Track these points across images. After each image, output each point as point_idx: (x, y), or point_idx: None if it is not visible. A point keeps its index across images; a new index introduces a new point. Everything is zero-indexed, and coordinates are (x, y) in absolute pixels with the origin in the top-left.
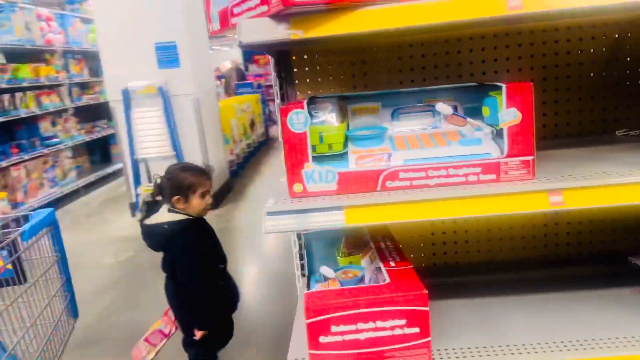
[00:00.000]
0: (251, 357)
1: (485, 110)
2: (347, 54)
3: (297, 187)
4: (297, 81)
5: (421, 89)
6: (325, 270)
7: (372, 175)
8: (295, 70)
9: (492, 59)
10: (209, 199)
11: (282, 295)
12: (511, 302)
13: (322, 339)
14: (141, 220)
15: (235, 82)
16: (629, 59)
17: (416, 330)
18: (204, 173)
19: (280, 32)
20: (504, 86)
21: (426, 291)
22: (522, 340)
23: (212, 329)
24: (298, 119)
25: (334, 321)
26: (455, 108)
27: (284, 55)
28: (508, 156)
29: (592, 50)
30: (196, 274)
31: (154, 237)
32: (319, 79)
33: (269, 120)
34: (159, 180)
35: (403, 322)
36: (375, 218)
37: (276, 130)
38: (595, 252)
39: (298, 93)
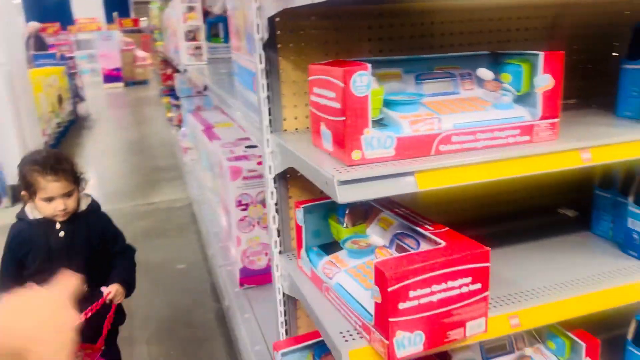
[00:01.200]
0: None
1: (506, 77)
2: (331, 19)
3: (356, 155)
4: (279, 45)
5: (431, 56)
6: (375, 239)
7: (427, 139)
8: (278, 32)
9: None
10: (58, 205)
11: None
12: None
13: (401, 305)
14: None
15: (33, 53)
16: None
17: (479, 285)
18: (52, 172)
19: None
20: (541, 54)
21: (488, 249)
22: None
23: None
24: (362, 82)
25: (412, 286)
26: (469, 74)
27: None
28: (541, 118)
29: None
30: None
31: None
32: (303, 45)
33: (76, 96)
34: None
35: (469, 279)
36: (444, 182)
37: (85, 108)
38: (528, 206)
39: (281, 58)
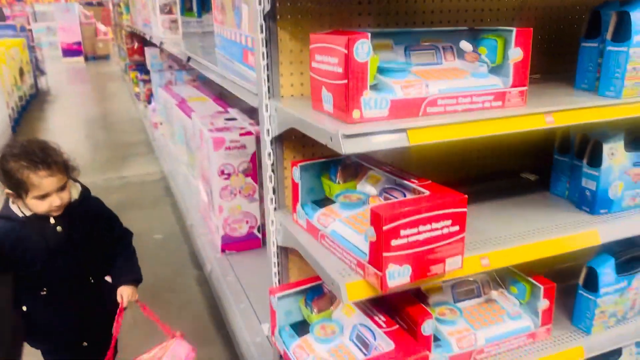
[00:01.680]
0: None
1: (483, 50)
2: None
3: (356, 114)
4: (278, 16)
5: (418, 30)
6: (369, 189)
7: (416, 102)
8: (277, 5)
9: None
10: (54, 200)
11: None
12: None
13: (394, 242)
14: None
15: None
16: None
17: (457, 228)
18: (45, 167)
19: None
20: (514, 30)
21: (465, 196)
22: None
23: None
24: (363, 49)
25: (403, 226)
26: (450, 47)
27: None
28: (512, 86)
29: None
30: None
31: None
32: (300, 17)
33: (37, 70)
34: None
35: (449, 222)
36: (432, 138)
37: (45, 83)
38: (496, 170)
39: (279, 29)
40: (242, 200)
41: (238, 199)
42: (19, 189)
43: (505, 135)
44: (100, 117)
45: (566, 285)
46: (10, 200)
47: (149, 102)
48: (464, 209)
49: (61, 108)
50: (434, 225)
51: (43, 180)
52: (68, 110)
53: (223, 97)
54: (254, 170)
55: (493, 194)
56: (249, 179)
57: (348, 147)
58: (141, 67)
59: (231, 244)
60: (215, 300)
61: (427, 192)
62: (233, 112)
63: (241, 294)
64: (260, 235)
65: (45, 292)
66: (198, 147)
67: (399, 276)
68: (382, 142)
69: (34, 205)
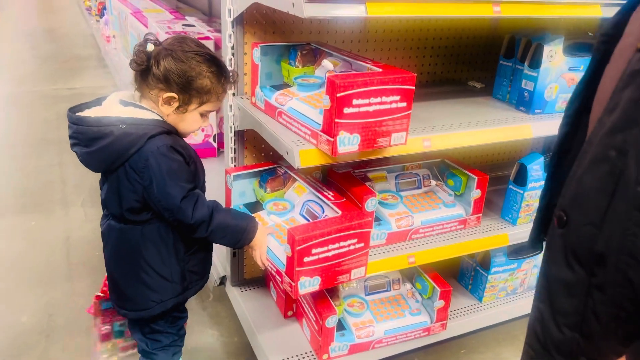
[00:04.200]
0: None
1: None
2: None
3: None
4: None
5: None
6: (326, 63)
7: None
8: None
9: None
10: (206, 122)
11: None
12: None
13: (346, 110)
14: (72, 111)
15: None
16: None
17: (404, 104)
18: (230, 82)
19: None
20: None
21: (414, 74)
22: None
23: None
24: None
25: (355, 96)
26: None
27: None
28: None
29: None
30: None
31: (101, 141)
32: None
33: None
34: (152, 47)
35: (398, 97)
36: (388, 12)
37: None
38: (445, 78)
39: None
40: None
41: None
42: (195, 97)
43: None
44: (47, 30)
45: (500, 186)
46: (160, 104)
47: (101, 16)
48: (412, 87)
49: (4, 20)
50: (384, 98)
51: (222, 97)
52: (12, 23)
53: (179, 10)
54: None
55: (439, 96)
56: None
57: (309, 11)
58: None
59: None
60: None
61: (379, 70)
62: (191, 20)
63: None
64: (215, 145)
65: None
66: None
67: (348, 143)
68: (343, 9)
69: (191, 121)
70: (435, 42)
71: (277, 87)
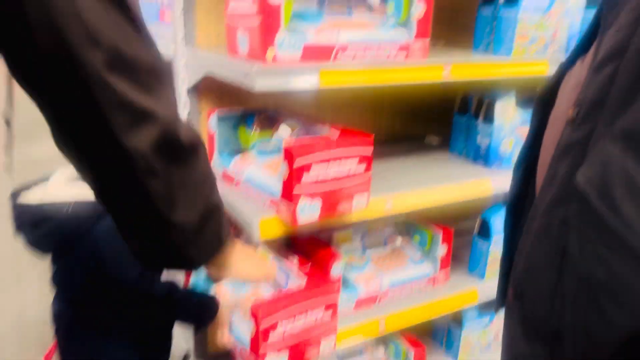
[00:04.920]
0: None
1: (391, 5)
2: None
3: (270, 53)
4: None
5: None
6: (283, 129)
7: (329, 47)
8: None
9: None
10: None
11: None
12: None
13: (305, 177)
14: (14, 195)
15: None
16: None
17: (364, 166)
18: None
19: None
20: None
21: (372, 135)
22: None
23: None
24: None
25: (314, 161)
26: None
27: None
28: (415, 38)
29: None
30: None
31: (44, 226)
32: None
33: None
34: None
35: (357, 160)
36: (341, 82)
37: None
38: (403, 135)
39: None
40: None
41: None
42: None
43: (410, 97)
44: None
45: (466, 239)
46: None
47: None
48: (371, 147)
49: None
50: (343, 162)
51: None
52: None
53: None
54: None
55: (398, 154)
56: None
57: (261, 84)
58: None
59: None
60: None
61: (337, 133)
62: None
63: None
64: None
65: None
66: None
67: (309, 211)
68: (295, 82)
69: None
70: (392, 101)
71: (236, 154)
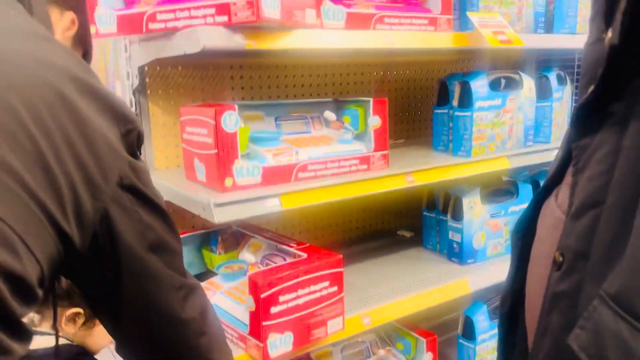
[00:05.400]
0: None
1: (347, 119)
2: (197, 69)
3: (228, 182)
4: (149, 91)
5: (287, 102)
6: (247, 256)
7: (288, 168)
8: (147, 80)
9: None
10: None
11: None
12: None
13: (273, 309)
14: None
15: None
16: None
17: (335, 288)
18: None
19: (237, 42)
20: (371, 100)
21: (340, 256)
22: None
23: None
24: (231, 119)
25: (282, 291)
26: (318, 117)
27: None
28: (375, 151)
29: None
30: None
31: None
32: (171, 91)
33: None
34: None
35: (327, 283)
36: (304, 201)
37: None
38: (375, 230)
39: (150, 103)
40: None
41: None
42: None
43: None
44: None
45: (450, 336)
46: (63, 324)
47: None
48: (341, 269)
49: None
50: (313, 287)
51: None
52: None
53: None
54: None
55: (371, 254)
56: None
57: (221, 216)
58: None
59: None
60: None
61: (304, 255)
62: None
63: None
64: None
65: None
66: None
67: (281, 345)
68: (255, 208)
69: (102, 334)
70: (360, 199)
71: (201, 277)
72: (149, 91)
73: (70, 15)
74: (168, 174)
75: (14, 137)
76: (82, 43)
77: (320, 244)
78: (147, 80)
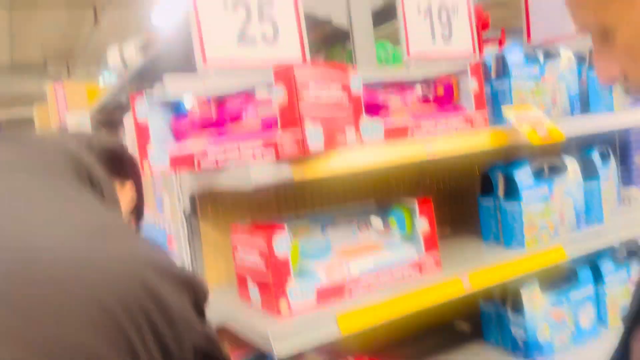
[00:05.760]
0: None
1: (393, 221)
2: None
3: (283, 304)
4: (200, 213)
5: (333, 211)
6: None
7: (341, 285)
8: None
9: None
10: None
11: None
12: None
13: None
14: None
15: None
16: None
17: None
18: None
19: (285, 175)
20: (415, 202)
21: None
22: None
23: None
24: (282, 243)
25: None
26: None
27: None
28: (425, 252)
29: None
30: None
31: None
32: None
33: None
34: None
35: None
36: (360, 324)
37: None
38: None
39: (201, 223)
40: None
41: None
42: None
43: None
44: None
45: None
46: None
47: None
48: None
49: None
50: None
51: None
52: None
53: None
54: None
55: (432, 352)
56: None
57: (282, 349)
58: None
59: None
60: None
61: None
62: None
63: None
64: None
65: None
66: None
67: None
68: (314, 337)
69: None
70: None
71: None
72: (199, 212)
73: (129, 185)
74: (220, 292)
75: (115, 340)
76: (139, 213)
77: (377, 343)
78: (197, 202)
